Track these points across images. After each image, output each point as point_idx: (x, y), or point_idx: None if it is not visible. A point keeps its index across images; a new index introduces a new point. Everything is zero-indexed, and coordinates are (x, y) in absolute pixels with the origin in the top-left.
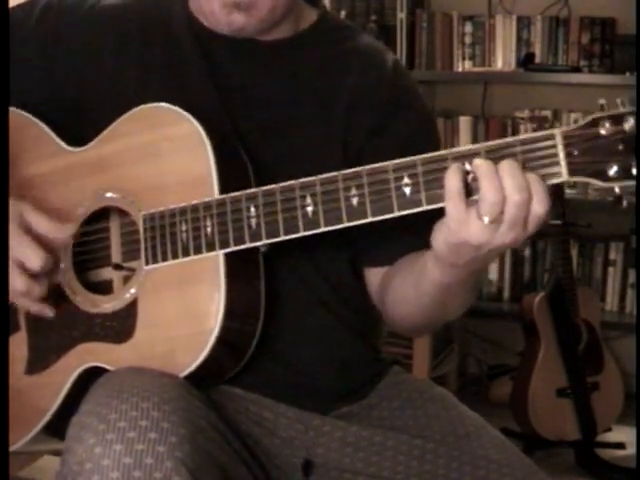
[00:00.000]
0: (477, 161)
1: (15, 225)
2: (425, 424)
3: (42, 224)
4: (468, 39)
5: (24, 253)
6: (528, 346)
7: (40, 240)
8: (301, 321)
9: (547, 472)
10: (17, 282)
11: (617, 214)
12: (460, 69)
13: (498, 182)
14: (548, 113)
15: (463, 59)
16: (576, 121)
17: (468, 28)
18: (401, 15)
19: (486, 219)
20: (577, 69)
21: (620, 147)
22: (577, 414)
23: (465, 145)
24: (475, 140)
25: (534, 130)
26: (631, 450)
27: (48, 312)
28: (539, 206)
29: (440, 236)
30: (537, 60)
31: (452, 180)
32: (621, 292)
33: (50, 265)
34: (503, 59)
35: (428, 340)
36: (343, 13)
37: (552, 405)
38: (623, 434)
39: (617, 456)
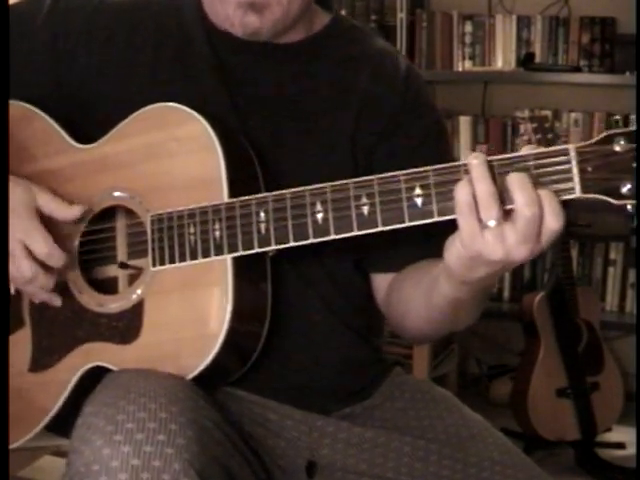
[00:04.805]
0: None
1: (27, 208)
2: (428, 425)
3: (52, 204)
4: (468, 39)
5: (32, 237)
6: (528, 346)
7: (51, 229)
8: (306, 323)
9: (547, 472)
10: (23, 266)
11: (617, 214)
12: (460, 69)
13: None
14: (548, 113)
15: (463, 59)
16: (576, 121)
17: (468, 28)
18: (401, 15)
19: (491, 223)
20: (577, 69)
21: (634, 165)
22: (577, 414)
23: (465, 145)
24: (475, 140)
25: (534, 130)
26: (631, 450)
27: (56, 301)
28: (554, 221)
29: (453, 250)
30: (537, 60)
31: (461, 193)
32: (621, 292)
33: (57, 256)
34: (503, 59)
35: None
36: (343, 13)
37: (552, 405)
38: (623, 434)
39: (617, 456)
